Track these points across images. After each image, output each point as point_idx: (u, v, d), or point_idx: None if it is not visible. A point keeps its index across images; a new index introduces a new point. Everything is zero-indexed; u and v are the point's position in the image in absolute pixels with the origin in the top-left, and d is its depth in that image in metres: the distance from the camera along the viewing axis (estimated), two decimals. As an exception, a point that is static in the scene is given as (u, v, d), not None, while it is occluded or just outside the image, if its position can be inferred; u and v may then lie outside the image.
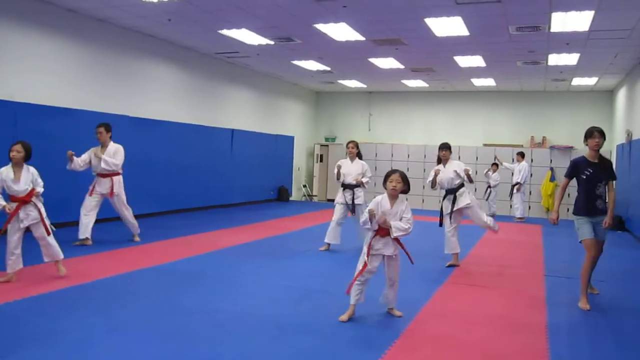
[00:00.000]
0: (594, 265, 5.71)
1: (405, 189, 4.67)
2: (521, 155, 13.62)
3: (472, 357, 3.96)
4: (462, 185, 7.24)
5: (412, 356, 3.95)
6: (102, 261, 6.72)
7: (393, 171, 4.71)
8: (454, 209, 7.20)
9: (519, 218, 13.42)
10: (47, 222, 5.74)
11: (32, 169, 5.70)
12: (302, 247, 8.33)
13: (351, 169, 8.00)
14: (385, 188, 4.68)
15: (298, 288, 5.79)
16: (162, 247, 7.84)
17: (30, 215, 5.62)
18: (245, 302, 5.19)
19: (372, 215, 4.55)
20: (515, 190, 13.40)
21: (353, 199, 7.97)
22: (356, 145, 8.13)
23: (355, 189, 7.99)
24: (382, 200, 4.68)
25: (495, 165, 13.64)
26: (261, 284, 5.92)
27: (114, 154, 7.78)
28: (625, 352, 4.22)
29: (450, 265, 7.19)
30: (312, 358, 3.83)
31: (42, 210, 5.72)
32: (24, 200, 5.58)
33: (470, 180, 7.22)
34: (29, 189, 5.60)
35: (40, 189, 5.67)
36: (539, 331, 4.61)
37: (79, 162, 7.61)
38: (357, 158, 8.10)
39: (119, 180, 7.90)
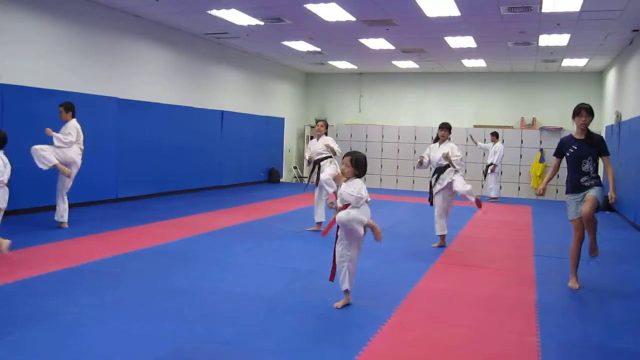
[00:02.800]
0: (595, 227, 5.42)
1: (358, 173, 4.49)
2: (495, 135, 13.67)
3: (462, 336, 4.00)
4: (449, 166, 7.18)
5: (403, 335, 3.98)
6: (92, 244, 6.70)
7: (346, 154, 4.56)
8: (439, 188, 7.20)
9: (493, 198, 13.50)
10: None
11: (1, 156, 5.66)
12: (293, 228, 8.34)
13: (316, 146, 8.09)
14: None
15: (290, 269, 5.81)
16: (152, 229, 7.82)
17: None
18: (237, 283, 5.20)
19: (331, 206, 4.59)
20: (489, 171, 13.45)
21: (318, 173, 7.96)
22: (325, 124, 8.21)
23: (321, 163, 8.01)
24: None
25: None
26: (253, 265, 5.94)
27: (66, 132, 7.48)
28: (613, 331, 4.28)
29: (437, 246, 7.24)
30: (304, 337, 3.85)
31: None
32: None
33: (452, 165, 7.05)
34: None
35: (2, 177, 5.60)
36: (529, 310, 4.66)
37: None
38: (324, 136, 8.14)
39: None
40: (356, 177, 4.50)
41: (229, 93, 14.47)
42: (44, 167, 7.17)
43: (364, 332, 3.97)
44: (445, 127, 7.31)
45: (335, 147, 8.00)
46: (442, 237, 7.31)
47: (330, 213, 7.96)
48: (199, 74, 13.15)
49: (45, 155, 7.13)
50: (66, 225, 7.60)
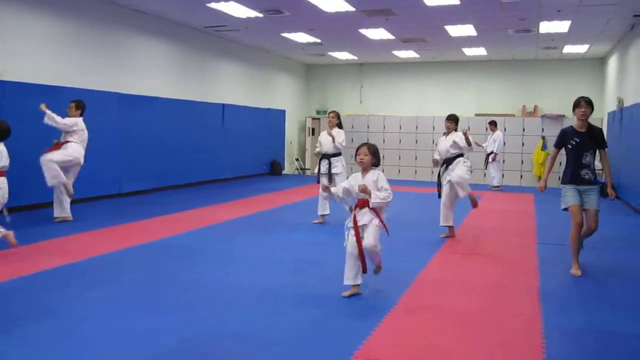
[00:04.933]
0: (589, 235, 5.69)
1: (375, 162, 4.64)
2: (494, 124, 13.64)
3: (466, 323, 4.02)
4: (459, 155, 7.20)
5: (407, 324, 4.00)
6: (94, 239, 6.72)
7: (362, 144, 4.70)
8: (447, 179, 7.16)
9: (495, 187, 13.47)
10: None
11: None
12: (297, 220, 8.35)
13: (327, 139, 8.00)
14: (356, 162, 4.68)
15: (294, 260, 5.83)
16: (155, 224, 7.84)
17: None
18: (242, 275, 5.22)
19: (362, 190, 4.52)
20: (490, 160, 13.42)
21: (329, 168, 7.95)
22: (337, 115, 8.10)
23: (331, 159, 7.98)
24: (355, 176, 4.69)
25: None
26: (257, 257, 5.96)
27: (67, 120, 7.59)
28: (615, 316, 4.29)
29: (445, 237, 7.22)
30: (310, 327, 3.88)
31: None
32: None
33: (469, 144, 7.10)
34: None
35: None
36: (532, 297, 4.68)
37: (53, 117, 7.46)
38: (336, 127, 8.07)
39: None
40: (374, 166, 4.63)
41: (230, 86, 14.45)
42: (52, 183, 7.33)
43: (369, 321, 3.99)
44: (451, 119, 7.28)
45: (340, 140, 7.94)
46: (450, 228, 7.27)
47: (334, 206, 8.00)
48: (199, 67, 13.13)
49: (55, 174, 7.29)
50: (70, 218, 7.66)
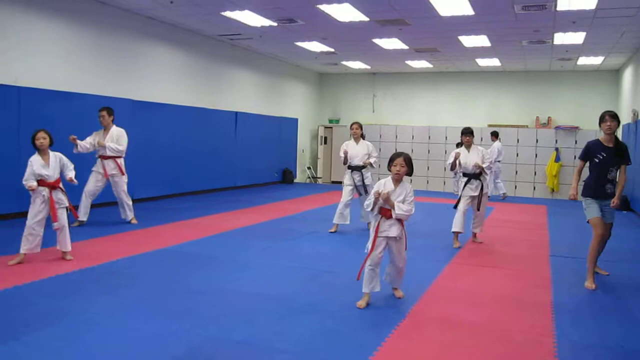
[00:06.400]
0: (603, 247, 5.70)
1: (409, 172, 4.65)
2: (495, 135, 13.52)
3: (477, 335, 3.99)
4: (481, 173, 7.31)
5: (418, 336, 3.98)
6: (108, 244, 6.76)
7: (397, 154, 4.65)
8: (470, 193, 7.27)
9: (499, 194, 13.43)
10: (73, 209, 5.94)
11: (59, 155, 5.90)
12: (308, 228, 8.35)
13: (357, 151, 7.99)
14: (390, 171, 4.66)
15: (305, 269, 5.82)
16: (167, 230, 7.87)
17: (60, 200, 5.79)
18: (252, 283, 5.22)
19: (377, 197, 4.53)
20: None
21: (363, 180, 7.96)
22: (360, 126, 8.08)
23: (362, 170, 7.98)
24: (386, 182, 4.66)
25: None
26: (268, 265, 5.96)
27: (117, 139, 7.82)
28: (630, 331, 4.24)
29: (458, 247, 7.21)
30: (320, 337, 3.86)
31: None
32: (53, 186, 5.74)
33: (484, 172, 7.28)
34: (58, 174, 5.81)
35: (72, 173, 5.90)
36: (545, 310, 4.63)
37: (85, 145, 7.67)
38: (361, 139, 8.09)
39: (120, 163, 7.98)
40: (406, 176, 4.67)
41: (243, 94, 14.52)
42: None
43: (379, 332, 3.98)
44: (469, 133, 7.32)
45: (373, 160, 7.93)
46: (457, 234, 7.28)
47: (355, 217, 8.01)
48: (212, 75, 13.21)
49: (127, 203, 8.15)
50: (135, 221, 8.20)
